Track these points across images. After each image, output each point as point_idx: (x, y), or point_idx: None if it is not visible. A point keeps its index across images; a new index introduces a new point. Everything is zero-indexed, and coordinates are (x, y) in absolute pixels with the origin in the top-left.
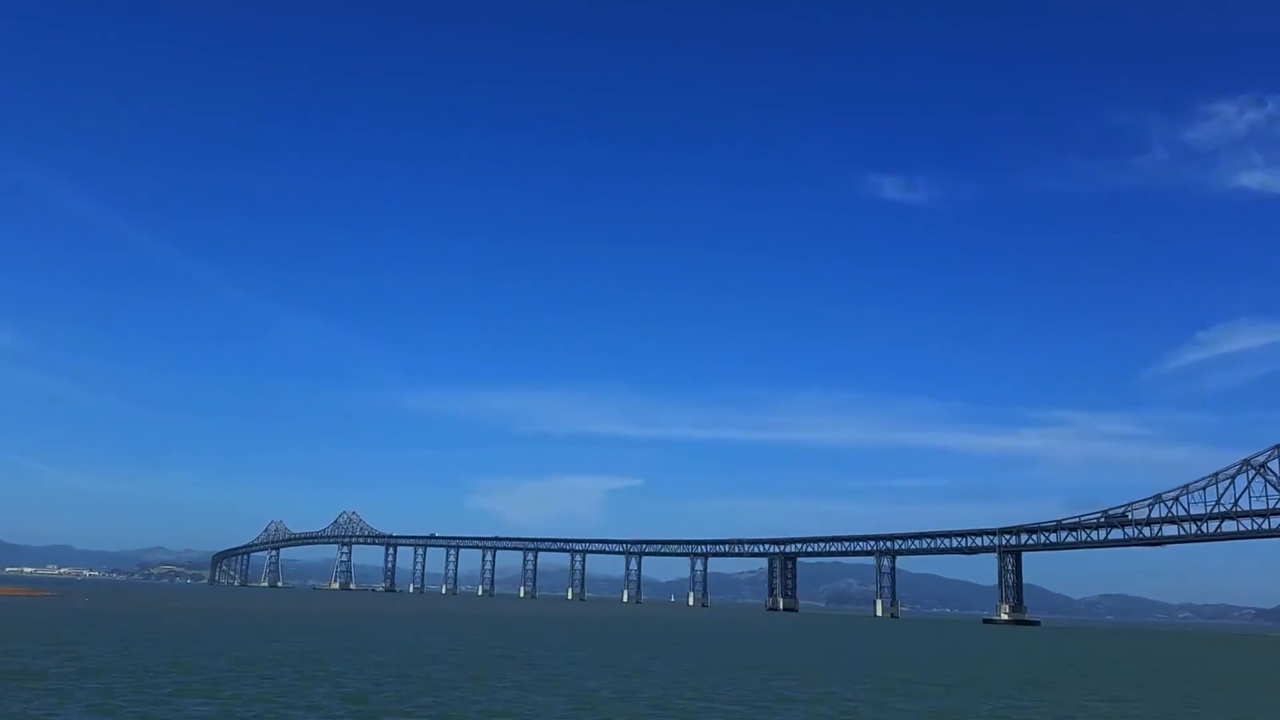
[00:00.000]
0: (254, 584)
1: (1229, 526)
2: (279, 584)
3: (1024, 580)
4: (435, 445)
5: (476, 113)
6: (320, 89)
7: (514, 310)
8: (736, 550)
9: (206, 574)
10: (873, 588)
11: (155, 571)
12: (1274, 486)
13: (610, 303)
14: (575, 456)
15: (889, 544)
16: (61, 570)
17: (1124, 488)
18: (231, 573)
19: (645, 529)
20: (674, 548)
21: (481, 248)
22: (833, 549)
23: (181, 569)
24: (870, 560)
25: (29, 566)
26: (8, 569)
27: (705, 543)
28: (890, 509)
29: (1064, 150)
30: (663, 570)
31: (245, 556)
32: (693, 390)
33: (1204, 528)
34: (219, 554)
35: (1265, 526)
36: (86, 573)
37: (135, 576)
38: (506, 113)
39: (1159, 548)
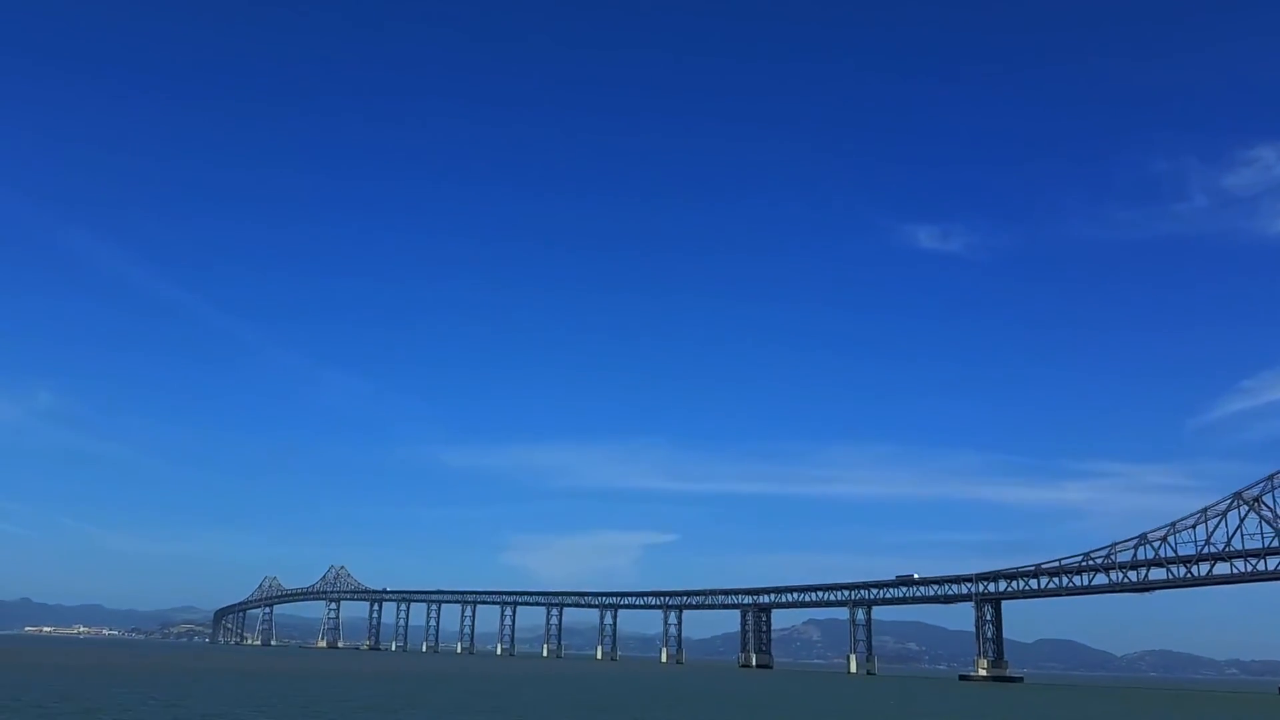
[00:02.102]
0: (248, 641)
1: (1221, 569)
2: (272, 642)
3: (1065, 636)
4: (472, 502)
5: (513, 168)
6: (359, 143)
7: (552, 365)
8: (710, 602)
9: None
10: (911, 645)
11: (174, 631)
12: (1269, 524)
13: (648, 357)
14: (611, 512)
15: (864, 593)
16: (82, 630)
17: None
18: (235, 630)
19: (679, 585)
20: (648, 600)
21: (521, 304)
22: (807, 599)
23: (201, 627)
24: (911, 615)
25: (50, 626)
26: (27, 628)
27: (678, 594)
28: (929, 564)
29: (1102, 198)
30: (701, 627)
31: (241, 614)
32: (730, 444)
33: (1195, 570)
34: (220, 611)
35: (1260, 568)
36: (106, 632)
37: (154, 635)
38: (542, 165)
39: (1203, 594)
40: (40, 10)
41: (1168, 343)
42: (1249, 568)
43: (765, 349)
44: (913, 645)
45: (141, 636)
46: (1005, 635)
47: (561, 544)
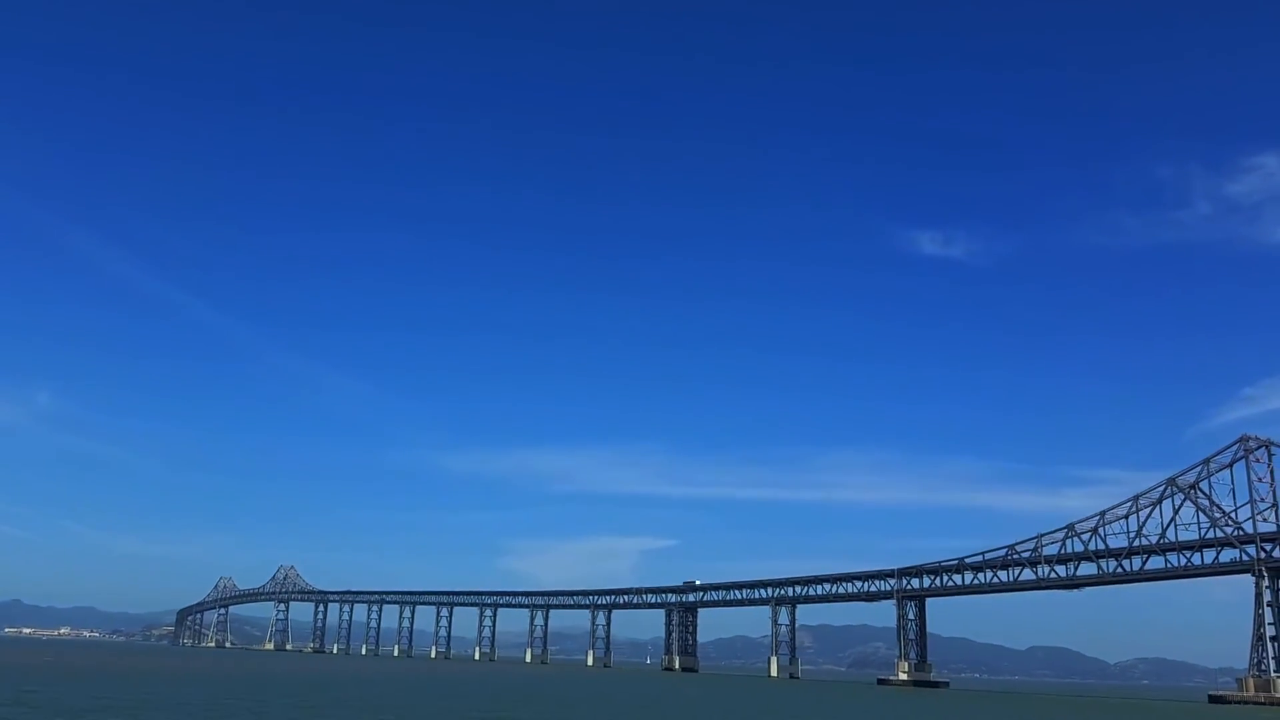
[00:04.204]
0: (204, 643)
1: (1156, 563)
2: (227, 643)
3: (1059, 644)
4: (471, 506)
5: (513, 171)
6: (359, 147)
7: (551, 369)
8: (636, 601)
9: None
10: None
11: (156, 633)
12: (1205, 513)
13: (647, 361)
14: (610, 516)
15: (788, 591)
16: (64, 632)
17: None
18: (194, 631)
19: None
20: (578, 599)
21: (520, 308)
22: (731, 597)
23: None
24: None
25: (32, 628)
26: (7, 629)
27: (607, 593)
28: None
29: (1105, 204)
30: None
31: (199, 615)
32: (730, 449)
33: (1128, 564)
34: (182, 611)
35: (1195, 562)
36: (87, 634)
37: (135, 637)
38: (542, 169)
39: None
40: (42, 11)
41: (1169, 350)
42: (1184, 561)
43: (766, 353)
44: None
45: (122, 638)
46: (997, 642)
47: (560, 549)
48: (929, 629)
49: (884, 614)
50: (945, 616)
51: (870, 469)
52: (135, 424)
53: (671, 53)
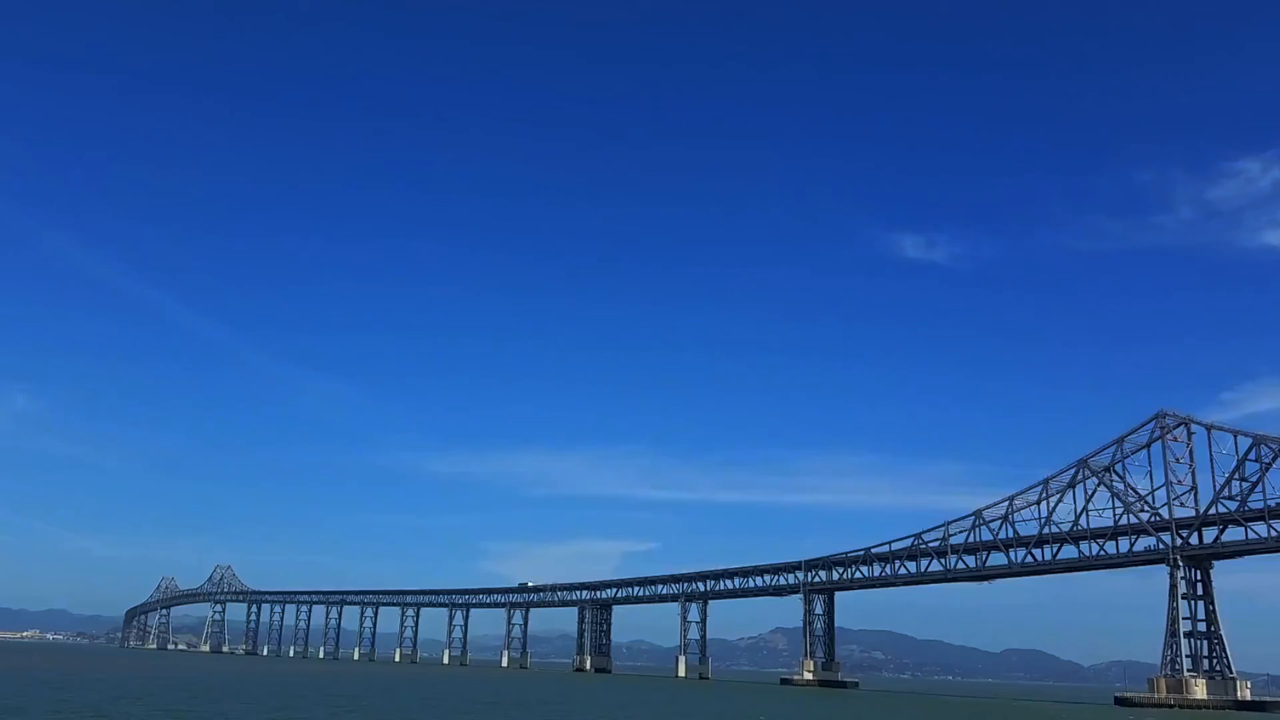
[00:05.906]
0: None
1: (1069, 552)
2: (169, 646)
3: (1033, 646)
4: (452, 509)
5: (498, 177)
6: (343, 151)
7: (534, 374)
8: (550, 599)
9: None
10: (877, 654)
11: (120, 635)
12: (1119, 497)
13: (629, 364)
14: (591, 519)
15: (698, 585)
16: (27, 635)
17: None
18: (140, 631)
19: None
20: (495, 598)
21: (502, 311)
22: (642, 594)
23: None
24: (881, 624)
25: None
26: None
27: (522, 590)
28: None
29: (1087, 209)
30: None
31: (144, 616)
32: (712, 453)
33: (1038, 554)
34: (129, 611)
35: (1108, 552)
36: (51, 636)
37: (99, 640)
38: (526, 173)
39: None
40: (32, 14)
41: (1149, 354)
42: (1097, 550)
43: (748, 356)
44: (878, 654)
45: (86, 641)
46: (973, 645)
47: (541, 552)
48: (905, 631)
49: (855, 616)
50: (924, 618)
51: (851, 472)
52: (113, 427)
53: (655, 59)
